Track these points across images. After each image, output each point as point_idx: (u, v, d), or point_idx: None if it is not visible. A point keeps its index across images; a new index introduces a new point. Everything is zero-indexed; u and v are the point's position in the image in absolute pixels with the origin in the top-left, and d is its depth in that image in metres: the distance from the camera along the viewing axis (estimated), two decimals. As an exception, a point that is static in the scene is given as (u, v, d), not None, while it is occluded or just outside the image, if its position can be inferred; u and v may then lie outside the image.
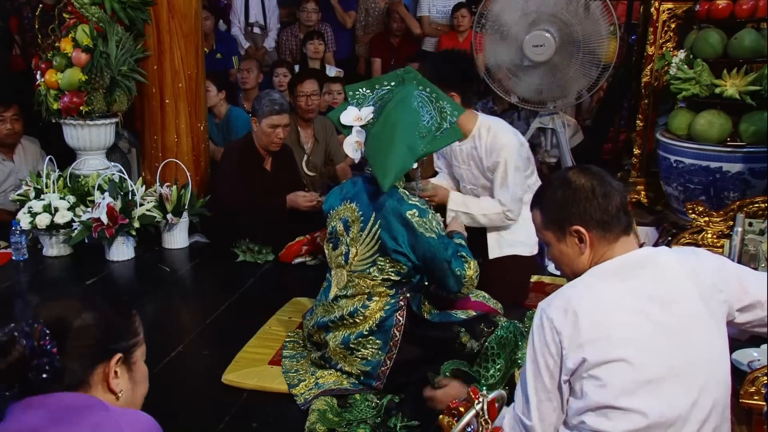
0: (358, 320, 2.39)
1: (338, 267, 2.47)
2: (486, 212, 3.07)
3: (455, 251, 2.41)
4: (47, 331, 1.22)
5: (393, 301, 2.38)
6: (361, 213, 2.38)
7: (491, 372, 2.28)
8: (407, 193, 2.39)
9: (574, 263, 1.66)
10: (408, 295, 2.41)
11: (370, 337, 2.37)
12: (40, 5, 5.10)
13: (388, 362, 2.35)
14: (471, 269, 2.42)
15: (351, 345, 2.39)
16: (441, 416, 1.46)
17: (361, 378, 2.40)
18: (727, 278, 1.61)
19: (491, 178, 3.06)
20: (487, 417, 1.35)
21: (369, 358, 2.37)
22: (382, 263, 2.36)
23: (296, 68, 5.45)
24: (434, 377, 2.20)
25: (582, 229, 1.63)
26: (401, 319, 2.38)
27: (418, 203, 2.37)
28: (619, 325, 1.50)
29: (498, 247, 3.12)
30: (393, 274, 2.36)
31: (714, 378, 1.54)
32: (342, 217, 2.44)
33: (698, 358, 1.52)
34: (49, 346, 1.22)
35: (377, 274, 2.36)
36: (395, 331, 2.37)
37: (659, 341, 1.50)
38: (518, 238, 3.10)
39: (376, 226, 2.34)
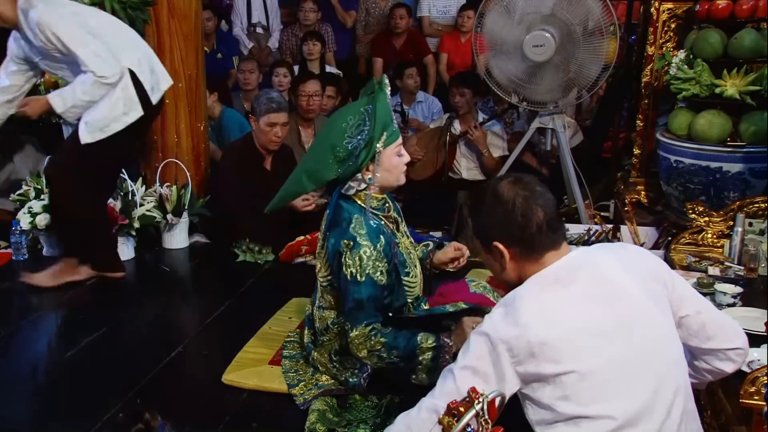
0: (332, 336, 2.37)
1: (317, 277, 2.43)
2: (82, 88, 2.91)
3: (360, 306, 2.16)
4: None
5: None
6: (325, 229, 2.31)
7: None
8: (363, 221, 2.20)
9: (501, 274, 1.68)
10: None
11: (347, 356, 2.31)
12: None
13: (363, 383, 2.29)
14: (356, 332, 2.16)
15: (333, 360, 2.37)
16: (441, 416, 1.47)
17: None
18: (658, 264, 1.67)
19: (62, 58, 2.91)
20: (487, 417, 1.35)
21: (348, 378, 2.32)
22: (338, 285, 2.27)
23: (296, 68, 5.44)
24: (451, 324, 2.20)
25: (501, 246, 1.62)
26: None
27: (362, 238, 2.15)
28: (569, 335, 1.50)
29: None
30: None
31: (667, 360, 1.57)
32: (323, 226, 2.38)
33: (650, 347, 1.55)
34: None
35: (336, 293, 2.30)
36: None
37: (608, 341, 1.51)
38: None
39: (327, 246, 2.25)
